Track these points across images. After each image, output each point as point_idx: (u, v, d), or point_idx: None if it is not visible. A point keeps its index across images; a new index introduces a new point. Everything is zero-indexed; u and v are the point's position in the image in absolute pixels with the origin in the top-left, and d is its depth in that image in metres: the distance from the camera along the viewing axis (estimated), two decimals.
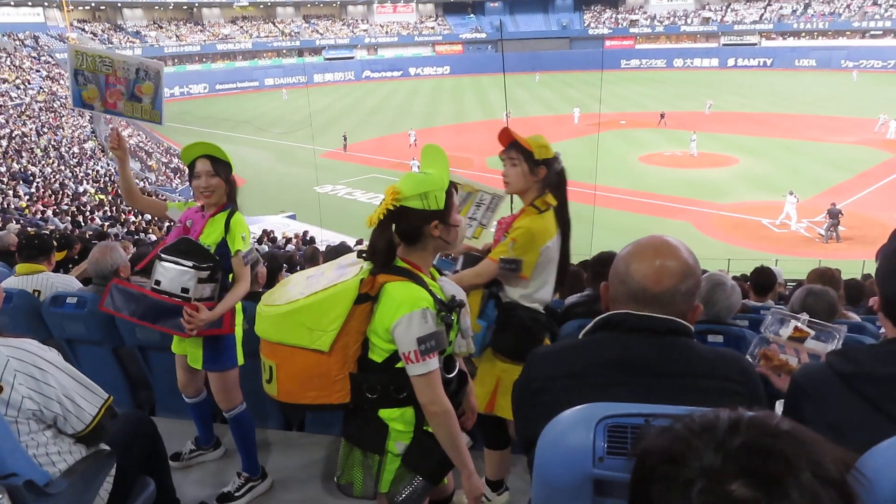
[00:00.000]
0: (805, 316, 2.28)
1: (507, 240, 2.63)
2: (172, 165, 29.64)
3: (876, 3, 57.18)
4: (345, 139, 30.37)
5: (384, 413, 1.94)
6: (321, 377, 1.92)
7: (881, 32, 54.68)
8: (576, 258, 4.21)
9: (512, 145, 2.73)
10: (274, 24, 64.21)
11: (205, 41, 58.55)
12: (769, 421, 0.71)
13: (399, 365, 1.89)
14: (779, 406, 1.73)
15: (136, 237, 13.68)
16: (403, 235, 1.92)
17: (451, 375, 2.03)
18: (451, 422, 1.90)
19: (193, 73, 55.69)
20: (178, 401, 3.45)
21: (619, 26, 66.14)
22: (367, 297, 1.88)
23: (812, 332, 2.21)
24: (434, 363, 1.85)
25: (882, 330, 1.52)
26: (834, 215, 16.97)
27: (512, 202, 2.95)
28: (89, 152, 29.45)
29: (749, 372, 1.42)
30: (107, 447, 2.14)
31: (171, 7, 59.77)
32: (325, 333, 1.87)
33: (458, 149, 28.80)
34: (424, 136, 31.20)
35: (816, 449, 0.69)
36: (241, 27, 62.25)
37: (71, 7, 48.83)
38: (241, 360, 3.10)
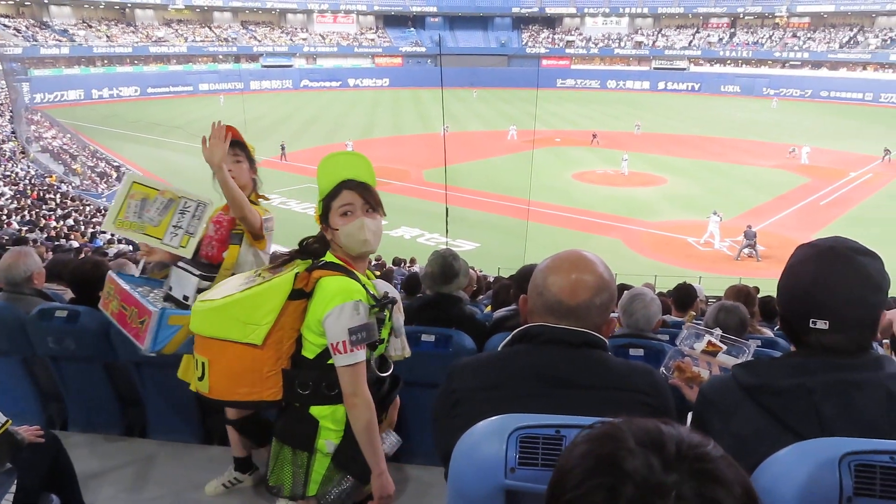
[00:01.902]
0: (718, 331, 2.38)
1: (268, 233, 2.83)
2: (98, 169, 28.49)
3: (795, 36, 60.62)
4: (283, 148, 29.88)
5: (315, 410, 1.98)
6: (253, 372, 1.94)
7: (800, 63, 57.93)
8: (508, 272, 4.25)
9: (236, 143, 2.85)
10: (210, 28, 62.78)
11: (137, 43, 56.70)
12: (706, 446, 0.73)
13: (331, 361, 1.94)
14: (690, 418, 1.79)
15: (56, 243, 13.09)
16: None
17: (384, 375, 2.08)
18: (370, 416, 1.95)
19: (124, 75, 53.85)
20: (92, 414, 3.31)
21: (556, 46, 67.77)
22: (302, 294, 1.94)
23: (724, 347, 2.30)
24: (362, 355, 1.92)
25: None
26: (750, 237, 17.81)
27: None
28: (8, 153, 28.05)
29: (659, 385, 1.46)
30: (7, 463, 2.02)
31: (101, 6, 57.68)
32: (259, 327, 1.90)
33: (396, 161, 28.81)
34: (361, 147, 31.04)
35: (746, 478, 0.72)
36: (176, 30, 60.62)
37: None
38: None
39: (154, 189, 2.90)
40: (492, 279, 10.27)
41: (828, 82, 55.25)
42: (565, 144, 34.17)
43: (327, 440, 1.98)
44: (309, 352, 1.98)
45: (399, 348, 2.12)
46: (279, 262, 2.06)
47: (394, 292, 2.08)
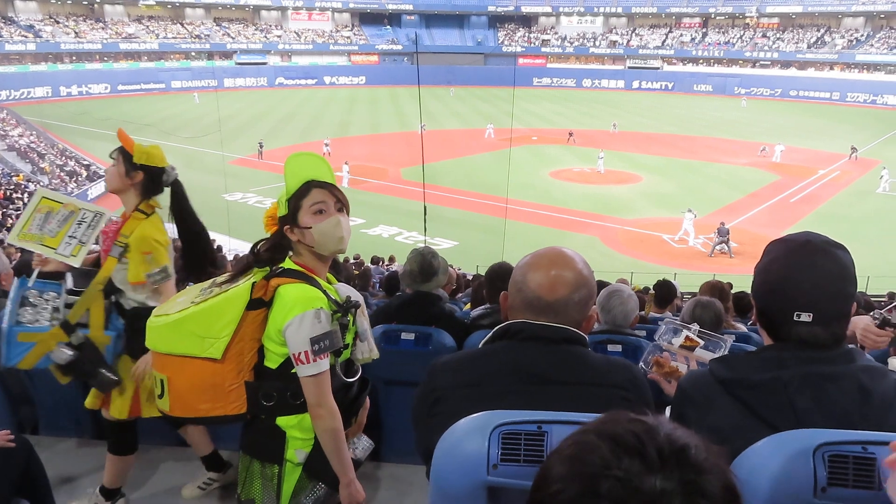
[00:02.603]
0: (695, 326, 2.42)
1: (135, 256, 2.70)
2: (68, 168, 27.97)
3: (765, 36, 61.59)
4: (260, 146, 29.57)
5: (282, 421, 1.93)
6: (215, 387, 1.87)
7: (769, 63, 58.86)
8: (485, 270, 4.25)
9: (119, 147, 2.82)
10: (182, 25, 61.92)
11: (107, 39, 55.69)
12: (691, 446, 0.72)
13: (294, 370, 1.88)
14: (668, 412, 1.81)
15: None
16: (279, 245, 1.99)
17: (351, 380, 2.03)
18: (336, 425, 1.90)
19: (93, 72, 52.86)
20: (64, 418, 3.26)
21: (532, 45, 68.03)
22: (261, 303, 1.87)
23: (701, 342, 2.33)
24: (325, 364, 1.86)
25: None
26: (723, 234, 18.09)
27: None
28: None
29: (638, 380, 1.48)
30: None
31: (69, 2, 56.61)
32: (217, 340, 1.84)
33: (373, 159, 28.71)
34: (339, 144, 30.90)
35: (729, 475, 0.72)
36: (147, 27, 59.69)
37: None
38: None
39: (59, 203, 2.93)
40: (471, 277, 10.31)
41: (797, 82, 56.21)
42: (542, 143, 34.31)
43: (297, 450, 1.93)
44: (272, 362, 1.91)
45: (366, 351, 2.06)
46: (236, 272, 1.99)
47: (356, 296, 2.02)
